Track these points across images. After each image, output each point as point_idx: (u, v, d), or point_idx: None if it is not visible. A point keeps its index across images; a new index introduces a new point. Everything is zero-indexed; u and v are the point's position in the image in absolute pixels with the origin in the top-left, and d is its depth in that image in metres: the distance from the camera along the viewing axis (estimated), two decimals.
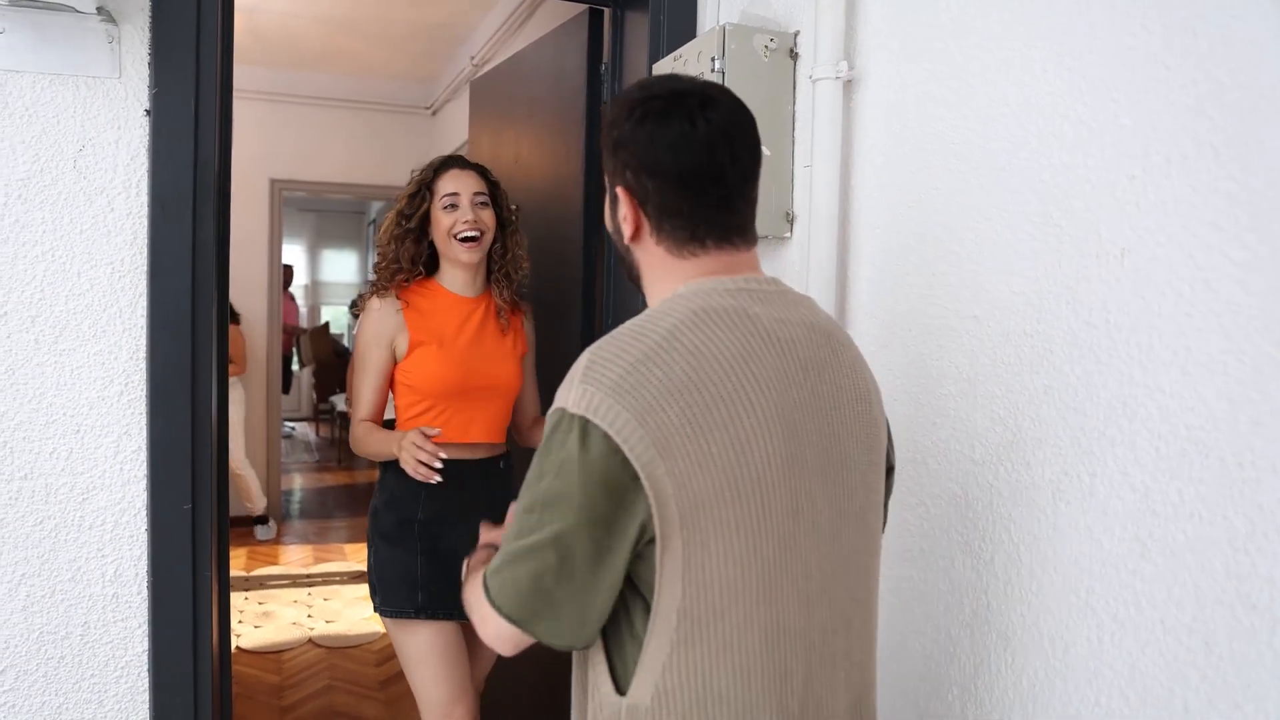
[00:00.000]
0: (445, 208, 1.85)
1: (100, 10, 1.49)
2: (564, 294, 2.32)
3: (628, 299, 2.09)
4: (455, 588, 1.74)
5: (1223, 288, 0.91)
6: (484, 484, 1.91)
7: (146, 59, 1.57)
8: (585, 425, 0.84)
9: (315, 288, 10.70)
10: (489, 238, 1.88)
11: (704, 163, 0.92)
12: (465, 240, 1.84)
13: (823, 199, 1.55)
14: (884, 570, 1.14)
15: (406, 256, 1.88)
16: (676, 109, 0.92)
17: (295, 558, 4.91)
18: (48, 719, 1.57)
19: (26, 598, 1.55)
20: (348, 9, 4.27)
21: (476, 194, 1.87)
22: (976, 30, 1.25)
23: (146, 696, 1.63)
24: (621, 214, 0.96)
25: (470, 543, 1.62)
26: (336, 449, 8.26)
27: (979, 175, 1.24)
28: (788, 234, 1.67)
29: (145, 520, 1.62)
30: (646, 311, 0.93)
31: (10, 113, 1.51)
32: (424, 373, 1.84)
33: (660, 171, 0.92)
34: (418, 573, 1.86)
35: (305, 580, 4.47)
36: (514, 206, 1.97)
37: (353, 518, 5.95)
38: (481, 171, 1.91)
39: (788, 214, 1.67)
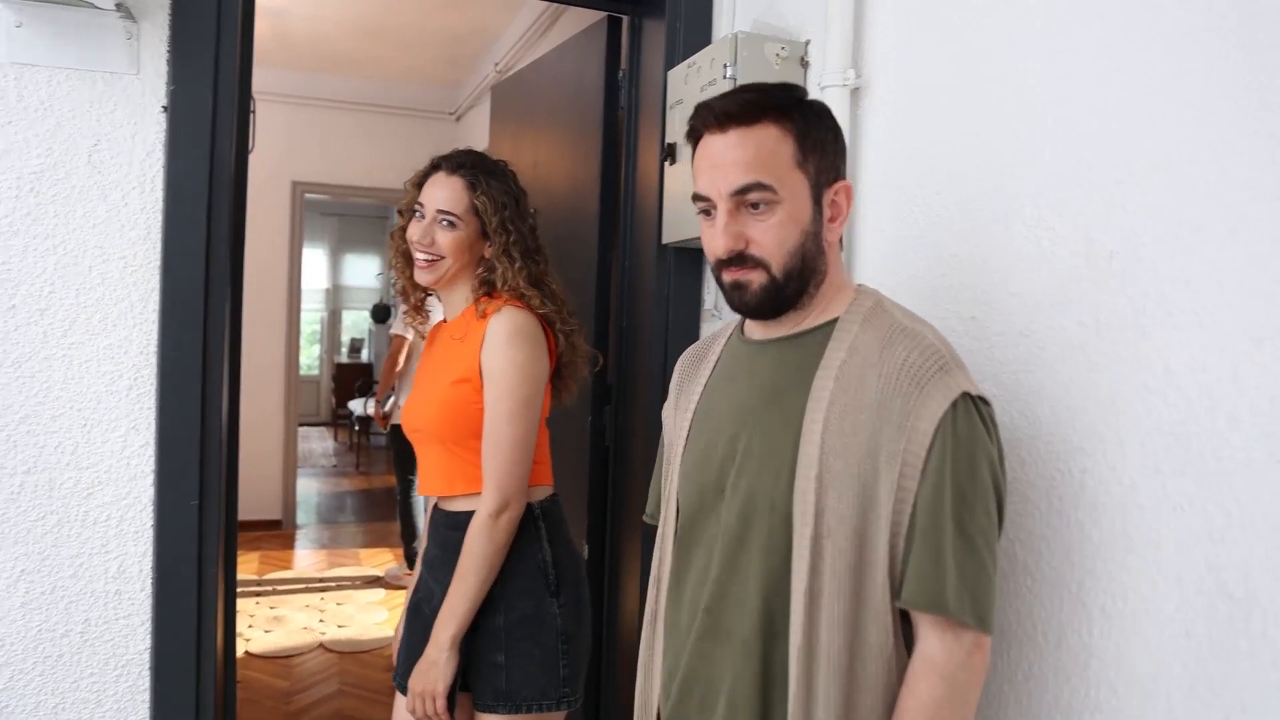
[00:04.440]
0: (415, 214, 1.56)
1: (119, 7, 1.49)
2: (577, 300, 2.30)
3: (642, 305, 2.07)
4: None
5: (1202, 288, 0.93)
6: (437, 545, 1.58)
7: (165, 56, 1.57)
8: (988, 407, 0.96)
9: (336, 292, 10.76)
10: (448, 265, 1.53)
11: None
12: (419, 259, 1.54)
13: None
14: None
15: (407, 278, 1.63)
16: None
17: (309, 562, 4.91)
18: (45, 718, 1.55)
19: (25, 594, 1.54)
20: (375, 14, 4.30)
21: (441, 212, 1.52)
22: (977, 41, 1.27)
23: (147, 696, 1.61)
24: (830, 214, 1.02)
25: (425, 610, 1.50)
26: (355, 454, 8.29)
27: (979, 181, 1.26)
28: None
29: (151, 516, 1.61)
30: (897, 309, 1.03)
31: (25, 106, 1.51)
32: None
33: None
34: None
35: (318, 584, 4.46)
36: (532, 211, 1.62)
37: (368, 523, 5.96)
38: (476, 178, 1.54)
39: None
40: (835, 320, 1.01)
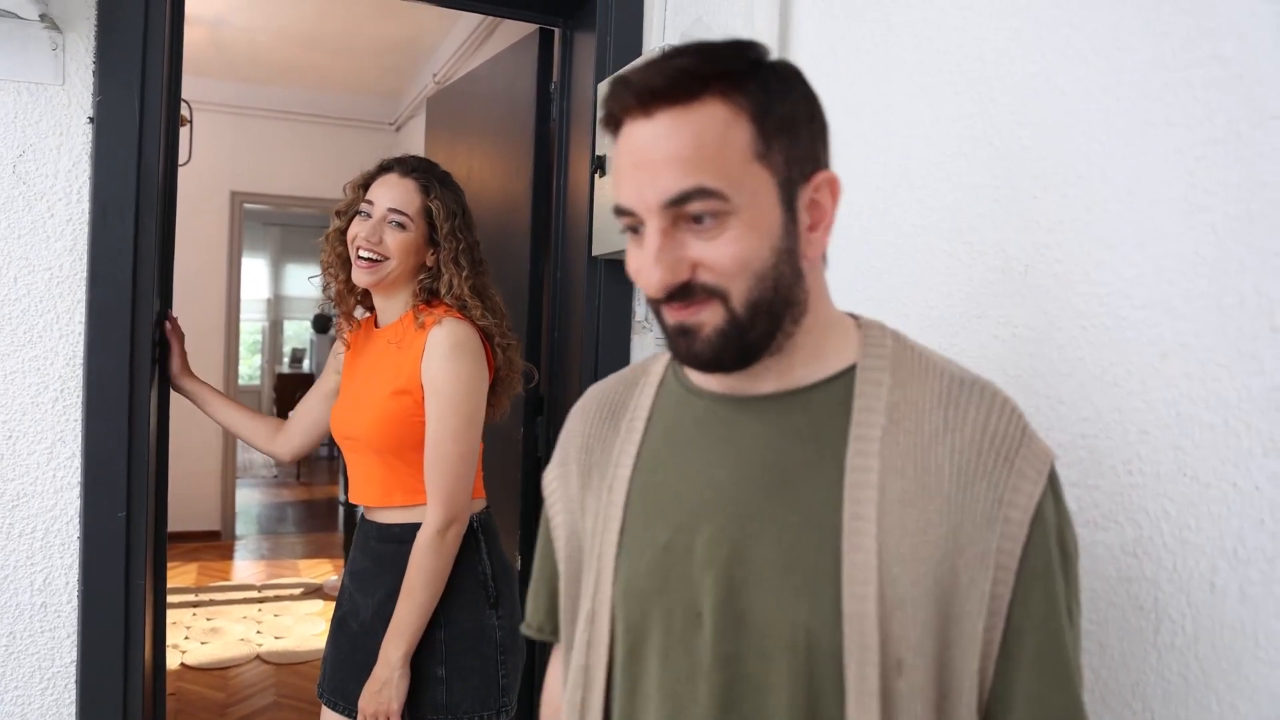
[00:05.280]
0: (359, 214, 1.54)
1: (43, 18, 1.50)
2: (510, 312, 2.34)
3: (573, 317, 2.12)
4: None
5: (1112, 302, 0.96)
6: (367, 557, 1.58)
7: (91, 67, 1.58)
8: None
9: (278, 302, 10.61)
10: (392, 267, 1.51)
11: None
12: (361, 259, 1.51)
13: None
14: None
15: (342, 282, 1.61)
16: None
17: (248, 573, 4.85)
18: None
19: None
20: (312, 24, 4.29)
21: (393, 210, 1.51)
22: (894, 53, 1.30)
23: (73, 710, 1.61)
24: (810, 220, 0.72)
25: (352, 624, 1.51)
26: (295, 464, 8.17)
27: (898, 194, 1.28)
28: None
29: (78, 528, 1.60)
30: (924, 348, 0.77)
31: None
32: None
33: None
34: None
35: (256, 596, 4.41)
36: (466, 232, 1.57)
37: (308, 533, 5.89)
38: (429, 182, 1.54)
39: None
40: (851, 369, 0.74)
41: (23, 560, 1.57)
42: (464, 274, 1.53)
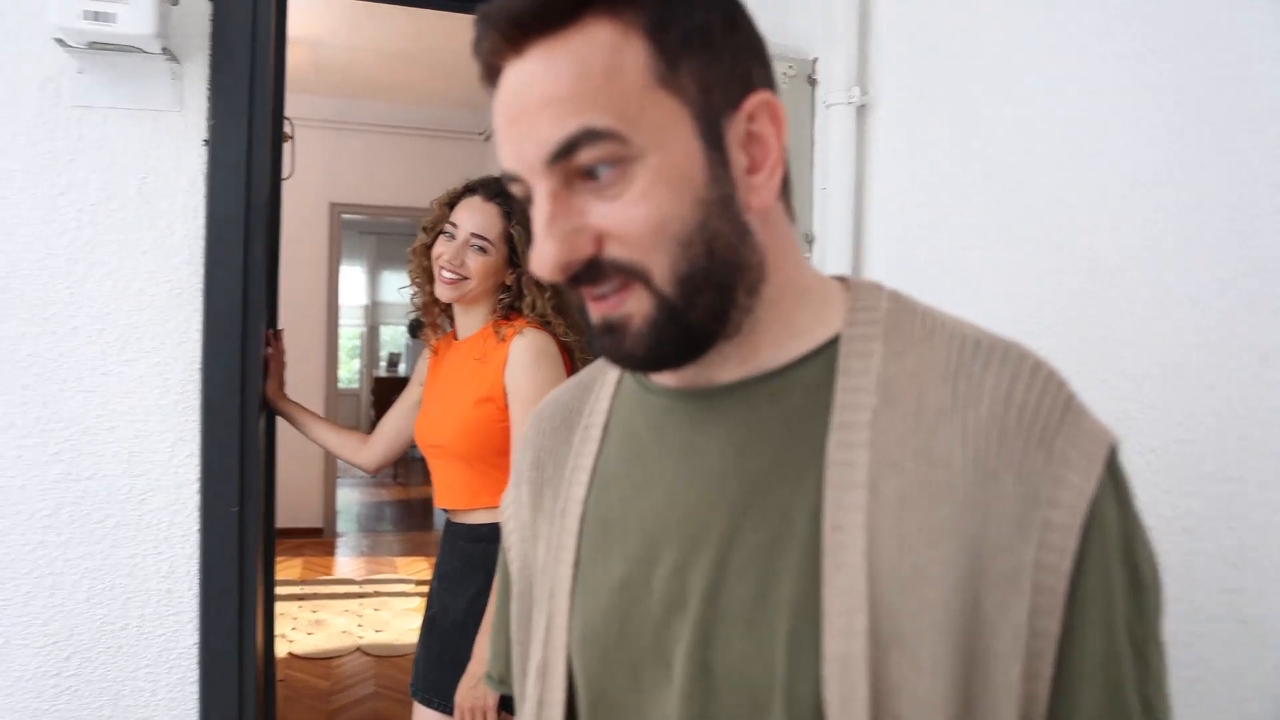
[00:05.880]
0: (443, 234, 1.64)
1: (165, 50, 1.63)
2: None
3: None
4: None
5: (1209, 303, 0.94)
6: (455, 558, 1.68)
7: (205, 93, 1.71)
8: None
9: (375, 308, 10.99)
10: (472, 286, 1.61)
11: None
12: (444, 276, 1.62)
13: (836, 221, 1.61)
14: None
15: (427, 294, 1.73)
16: None
17: (349, 569, 5.07)
18: (106, 704, 1.69)
19: (90, 590, 1.68)
20: (406, 41, 4.46)
21: (475, 235, 1.60)
22: (978, 57, 1.31)
23: (196, 688, 1.74)
24: (751, 160, 0.56)
25: (443, 623, 1.61)
26: (393, 465, 8.48)
27: (983, 196, 1.28)
28: (807, 254, 1.73)
29: (197, 521, 1.73)
30: (930, 308, 0.59)
31: (86, 144, 1.65)
32: None
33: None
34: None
35: (357, 591, 4.60)
36: None
37: (405, 532, 6.11)
38: (512, 208, 1.62)
39: (807, 235, 1.72)
40: (834, 341, 0.57)
41: (150, 550, 1.71)
42: (546, 294, 1.61)
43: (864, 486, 0.52)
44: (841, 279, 0.63)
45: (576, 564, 0.63)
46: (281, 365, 1.91)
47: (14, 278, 1.63)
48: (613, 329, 0.55)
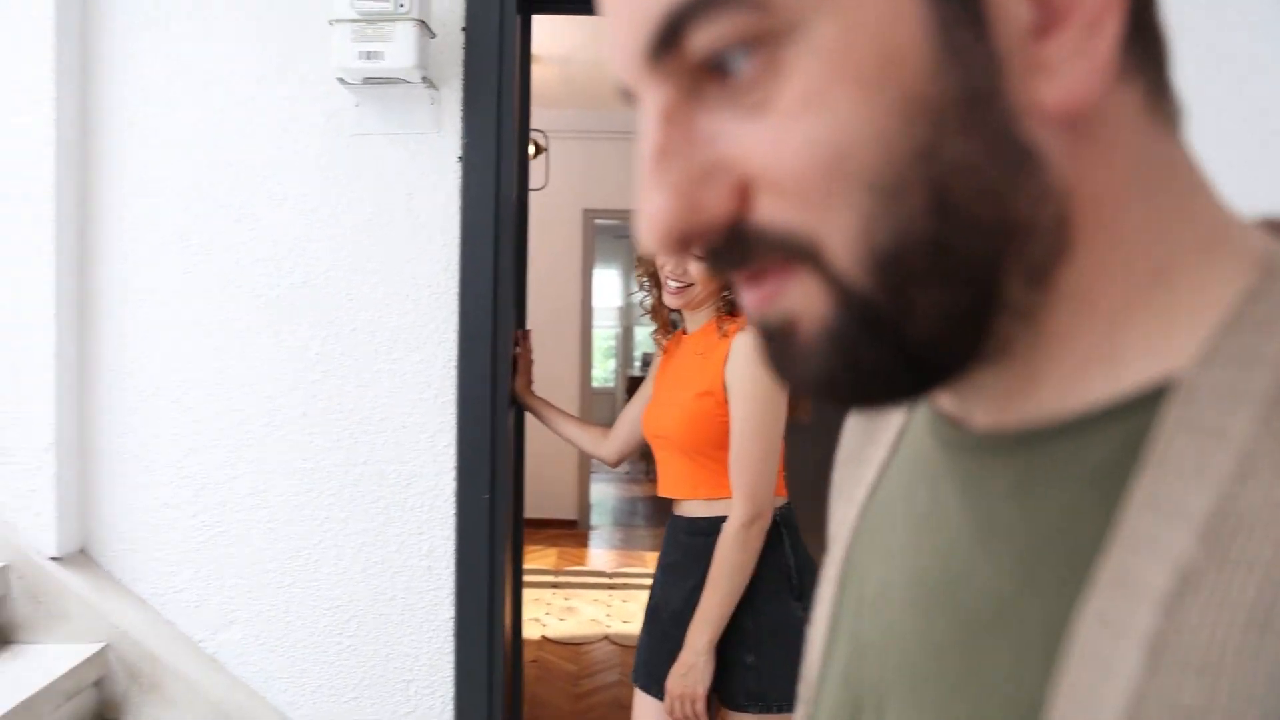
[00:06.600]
0: None
1: (424, 79, 1.80)
2: None
3: None
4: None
5: None
6: (676, 549, 1.71)
7: (460, 115, 1.87)
8: None
9: (629, 309, 11.46)
10: (697, 291, 1.63)
11: None
12: (670, 287, 1.66)
13: None
14: None
15: (656, 298, 1.79)
16: None
17: (600, 561, 5.31)
18: (378, 664, 1.89)
19: (365, 562, 1.89)
20: None
21: None
22: None
23: (451, 658, 1.91)
24: (1041, 18, 0.29)
25: (663, 613, 1.65)
26: (646, 461, 8.79)
27: None
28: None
29: (453, 506, 1.90)
30: None
31: (361, 168, 1.87)
32: None
33: None
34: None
35: (607, 582, 4.82)
36: None
37: (657, 527, 6.30)
38: None
39: None
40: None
41: (414, 530, 1.89)
42: None
43: (1145, 644, 0.26)
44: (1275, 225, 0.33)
45: (832, 624, 0.45)
46: (529, 363, 2.04)
47: (306, 288, 1.87)
48: (773, 334, 0.33)
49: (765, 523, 1.54)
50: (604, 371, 11.09)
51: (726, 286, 1.67)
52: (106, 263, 1.90)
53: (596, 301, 6.17)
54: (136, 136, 1.89)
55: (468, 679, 1.88)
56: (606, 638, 3.93)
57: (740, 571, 1.52)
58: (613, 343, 11.50)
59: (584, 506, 6.09)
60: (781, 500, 1.63)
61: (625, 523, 6.51)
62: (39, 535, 1.88)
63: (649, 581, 1.72)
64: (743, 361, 1.56)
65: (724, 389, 1.58)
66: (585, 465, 6.07)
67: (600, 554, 5.49)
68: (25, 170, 1.84)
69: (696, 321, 1.71)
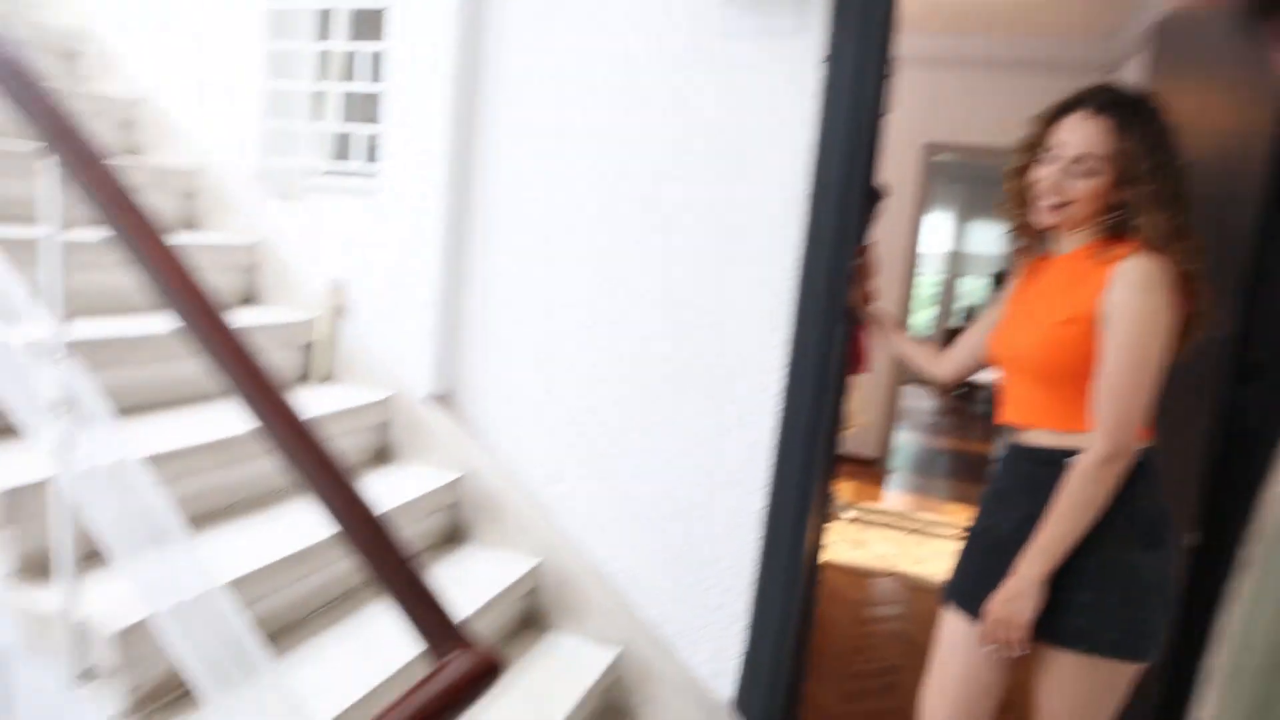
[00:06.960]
0: (1044, 155, 1.52)
1: None
2: (1218, 265, 2.06)
3: None
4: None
5: None
6: (1012, 476, 1.60)
7: (827, 15, 1.85)
8: None
9: (957, 258, 10.83)
10: (1074, 211, 1.50)
11: None
12: (1044, 205, 1.53)
13: None
14: None
15: (1021, 219, 1.63)
16: None
17: (896, 502, 5.22)
18: (689, 549, 2.06)
19: (685, 448, 2.03)
20: None
21: (1081, 157, 1.47)
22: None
23: (755, 550, 2.00)
24: None
25: (988, 537, 1.59)
26: (954, 416, 8.42)
27: None
28: None
29: (778, 404, 1.97)
30: None
31: (729, 66, 1.94)
32: None
33: None
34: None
35: (900, 524, 4.73)
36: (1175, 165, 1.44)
37: (954, 480, 6.05)
38: (1126, 120, 1.45)
39: None
40: None
41: (734, 422, 2.00)
42: (1166, 215, 1.44)
43: None
44: None
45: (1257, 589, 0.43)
46: (868, 275, 2.01)
47: (662, 181, 1.99)
48: None
49: (1125, 462, 1.42)
50: (923, 320, 10.64)
51: (1109, 208, 1.52)
52: (482, 150, 2.16)
53: (923, 246, 5.89)
54: (517, 43, 2.12)
55: (769, 565, 1.97)
56: (894, 574, 3.88)
57: (1088, 508, 1.42)
58: (936, 291, 10.96)
59: (886, 448, 5.98)
60: (1144, 442, 1.49)
61: (925, 471, 6.31)
62: (417, 375, 2.24)
63: (940, 531, 1.66)
64: (1128, 288, 1.42)
65: (1096, 317, 1.45)
66: (891, 408, 5.92)
67: (896, 495, 5.39)
68: (424, 55, 2.16)
69: (1070, 244, 1.58)
